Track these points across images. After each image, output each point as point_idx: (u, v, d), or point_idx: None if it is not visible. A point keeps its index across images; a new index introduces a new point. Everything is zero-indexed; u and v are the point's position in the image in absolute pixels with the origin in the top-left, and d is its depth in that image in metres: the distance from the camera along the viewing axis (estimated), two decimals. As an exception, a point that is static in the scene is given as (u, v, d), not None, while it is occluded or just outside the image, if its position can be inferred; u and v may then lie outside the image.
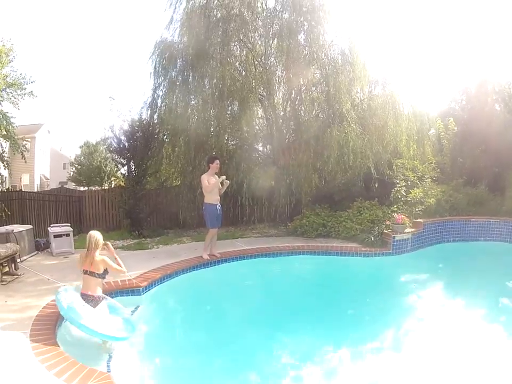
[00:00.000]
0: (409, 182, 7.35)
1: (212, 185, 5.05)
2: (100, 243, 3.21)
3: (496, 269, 5.52)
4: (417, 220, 6.74)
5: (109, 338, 2.94)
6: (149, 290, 4.24)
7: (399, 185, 7.16)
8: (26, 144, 8.94)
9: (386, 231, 6.18)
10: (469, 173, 8.64)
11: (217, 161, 5.24)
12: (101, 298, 3.17)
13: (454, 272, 5.51)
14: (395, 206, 6.86)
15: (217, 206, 5.21)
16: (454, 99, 11.39)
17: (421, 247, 6.55)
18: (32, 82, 9.35)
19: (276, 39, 7.27)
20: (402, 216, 6.31)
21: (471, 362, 2.87)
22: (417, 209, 7.01)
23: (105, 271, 3.21)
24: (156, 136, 7.45)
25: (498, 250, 6.57)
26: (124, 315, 3.33)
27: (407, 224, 6.33)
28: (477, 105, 10.34)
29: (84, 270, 3.12)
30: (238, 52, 7.30)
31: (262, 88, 6.62)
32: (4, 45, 8.92)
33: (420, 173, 7.70)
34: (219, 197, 5.24)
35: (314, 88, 7.06)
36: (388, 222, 6.32)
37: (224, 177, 5.24)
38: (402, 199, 7.07)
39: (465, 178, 8.26)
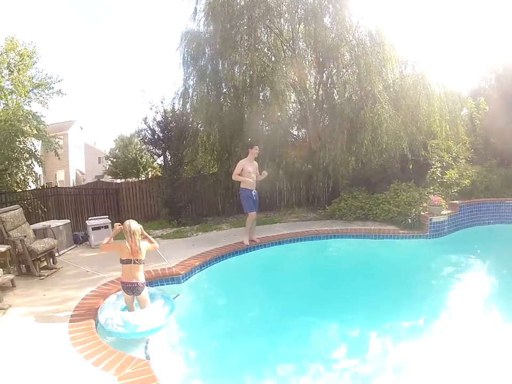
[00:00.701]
0: (444, 163, 7.19)
1: (237, 177, 5.10)
2: (140, 231, 3.18)
3: None
4: (453, 202, 6.61)
5: (158, 329, 3.00)
6: (189, 277, 4.30)
7: (435, 167, 7.00)
8: (59, 141, 9.12)
9: (423, 213, 6.09)
10: (501, 153, 8.39)
11: (257, 147, 5.25)
12: (145, 284, 3.19)
13: (491, 255, 5.40)
14: (431, 188, 6.73)
15: (253, 192, 5.22)
16: (483, 77, 10.98)
17: (458, 229, 6.42)
18: (59, 81, 9.54)
19: (302, 23, 7.17)
20: (439, 197, 6.20)
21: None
22: (453, 191, 6.88)
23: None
24: (189, 126, 7.49)
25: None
26: (162, 296, 3.41)
27: (444, 206, 6.21)
28: (504, 84, 9.99)
29: (127, 259, 3.07)
30: (266, 37, 7.23)
31: (293, 73, 6.54)
32: (25, 48, 9.10)
33: (454, 154, 7.52)
34: (255, 183, 5.25)
35: (344, 70, 6.94)
36: (424, 204, 6.21)
37: (265, 173, 5.30)
38: (438, 180, 6.93)
39: (498, 159, 8.02)
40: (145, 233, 3.31)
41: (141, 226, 3.25)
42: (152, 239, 3.38)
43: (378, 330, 3.28)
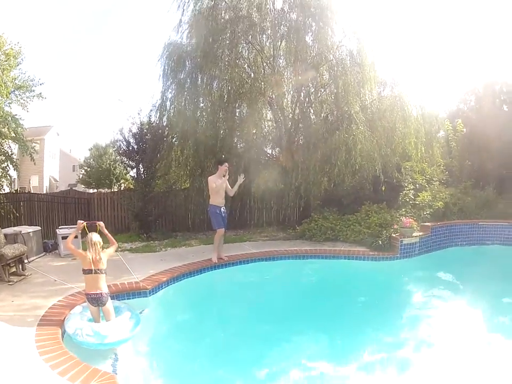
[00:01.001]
0: (417, 185, 7.32)
1: (217, 186, 5.12)
2: (101, 243, 3.31)
3: (506, 273, 5.45)
4: (425, 224, 6.70)
5: (124, 341, 3.01)
6: (156, 292, 4.27)
7: (407, 189, 7.13)
8: (35, 146, 8.99)
9: (394, 235, 6.15)
10: (477, 175, 8.57)
11: (226, 164, 5.27)
12: (109, 295, 3.24)
13: (462, 277, 5.45)
14: (403, 210, 6.83)
15: (222, 209, 5.27)
16: (462, 100, 11.27)
17: (429, 251, 6.50)
18: (41, 84, 9.37)
19: (284, 40, 7.24)
20: (410, 219, 6.28)
21: (480, 369, 2.85)
22: (425, 213, 6.98)
23: None
24: (165, 139, 7.46)
25: (507, 253, 6.49)
26: (128, 309, 3.42)
27: (415, 228, 6.29)
28: (485, 106, 10.25)
29: (89, 269, 3.15)
30: (247, 53, 7.27)
31: (271, 90, 6.59)
32: (12, 48, 8.94)
33: (428, 176, 7.66)
34: (224, 200, 5.29)
35: (323, 90, 7.02)
36: (395, 226, 6.28)
37: (242, 177, 5.37)
38: (411, 202, 7.04)
39: (473, 181, 8.19)
40: (106, 232, 3.49)
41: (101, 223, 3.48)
42: (111, 237, 3.52)
43: (341, 350, 3.34)
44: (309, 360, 3.18)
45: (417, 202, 7.06)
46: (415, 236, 6.22)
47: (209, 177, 5.27)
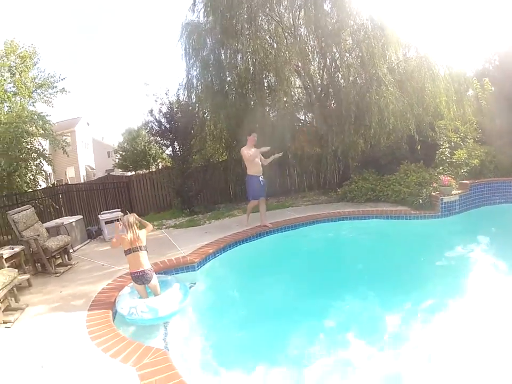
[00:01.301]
0: (452, 144, 7.15)
1: (252, 155, 5.20)
2: (135, 221, 3.40)
3: None
4: (463, 181, 6.56)
5: (176, 312, 3.09)
6: (203, 265, 4.30)
7: (443, 147, 6.97)
8: (66, 139, 9.20)
9: (434, 194, 6.04)
10: (508, 134, 8.31)
11: (254, 134, 5.39)
12: (152, 270, 3.30)
13: (502, 234, 5.35)
14: (441, 168, 6.70)
15: (260, 178, 5.31)
16: (487, 59, 10.89)
17: (469, 209, 6.36)
18: (62, 79, 9.61)
19: (302, 10, 7.15)
20: (449, 178, 6.17)
21: None
22: (462, 171, 6.83)
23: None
24: (196, 115, 7.50)
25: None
26: (175, 282, 3.47)
27: (454, 186, 6.17)
28: (509, 66, 9.91)
29: (132, 248, 3.20)
30: (267, 25, 7.22)
31: (296, 59, 6.52)
32: (26, 50, 9.16)
33: (462, 134, 7.47)
34: (261, 169, 5.33)
35: (348, 55, 6.91)
36: (434, 184, 6.18)
37: (267, 148, 5.39)
38: (447, 160, 6.89)
39: (506, 139, 7.94)
40: (139, 218, 3.55)
41: (136, 216, 3.51)
42: (145, 221, 3.62)
43: (393, 310, 3.28)
44: (363, 320, 3.17)
45: (453, 160, 6.91)
46: (455, 194, 6.09)
47: (242, 149, 5.36)
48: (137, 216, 3.49)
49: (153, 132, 7.59)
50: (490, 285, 3.68)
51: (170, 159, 8.04)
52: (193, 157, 7.52)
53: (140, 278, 3.15)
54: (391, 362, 2.54)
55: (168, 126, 7.29)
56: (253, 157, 5.22)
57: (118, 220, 3.87)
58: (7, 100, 8.55)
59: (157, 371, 2.07)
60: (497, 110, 8.81)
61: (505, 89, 8.97)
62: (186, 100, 7.47)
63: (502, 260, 4.52)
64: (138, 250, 3.20)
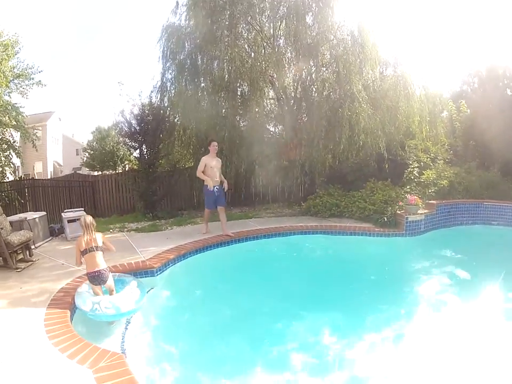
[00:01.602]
0: (422, 163, 7.27)
1: (200, 174, 5.36)
2: (94, 224, 3.39)
3: (509, 253, 5.34)
4: (430, 201, 6.65)
5: (137, 310, 3.09)
6: (163, 271, 4.23)
7: (412, 166, 7.07)
8: (37, 132, 9.01)
9: (399, 212, 6.10)
10: (481, 156, 8.50)
11: (214, 143, 5.48)
12: (108, 271, 3.30)
13: (466, 256, 5.35)
14: (408, 187, 6.79)
15: (215, 188, 5.37)
16: (466, 81, 11.20)
17: (434, 229, 6.43)
18: (39, 72, 9.42)
19: (284, 20, 7.19)
20: (415, 197, 6.22)
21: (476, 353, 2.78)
22: (430, 191, 6.93)
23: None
24: (166, 119, 7.46)
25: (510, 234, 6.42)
26: (133, 279, 3.49)
27: (420, 206, 6.24)
28: (488, 89, 10.17)
29: (88, 248, 3.20)
30: (246, 34, 7.25)
31: (272, 70, 6.55)
32: (9, 39, 8.97)
33: (432, 155, 7.61)
34: (218, 180, 5.40)
35: (324, 69, 6.99)
36: (400, 203, 6.24)
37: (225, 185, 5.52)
38: (415, 180, 7.00)
39: (477, 161, 8.13)
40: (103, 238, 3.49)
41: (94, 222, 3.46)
42: (109, 244, 3.52)
43: (347, 327, 3.27)
44: (313, 336, 3.15)
45: (422, 180, 7.02)
46: (421, 214, 6.16)
47: (202, 157, 5.43)
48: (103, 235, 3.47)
49: (122, 133, 7.51)
50: (444, 306, 3.73)
51: (137, 162, 7.96)
52: (160, 161, 7.46)
53: (96, 278, 3.15)
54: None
55: (138, 128, 7.23)
56: (214, 167, 5.33)
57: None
58: (-17, 87, 8.34)
59: (113, 375, 2.07)
60: (471, 132, 9.03)
61: (482, 112, 9.21)
62: (159, 103, 7.43)
63: (460, 279, 4.57)
64: (94, 251, 3.21)
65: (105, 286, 3.21)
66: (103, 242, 3.35)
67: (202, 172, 5.36)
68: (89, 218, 3.35)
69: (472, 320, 3.32)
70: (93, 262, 3.17)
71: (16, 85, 9.18)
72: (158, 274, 4.10)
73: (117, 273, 3.66)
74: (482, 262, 4.94)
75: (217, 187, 5.38)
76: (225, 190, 5.46)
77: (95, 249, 3.21)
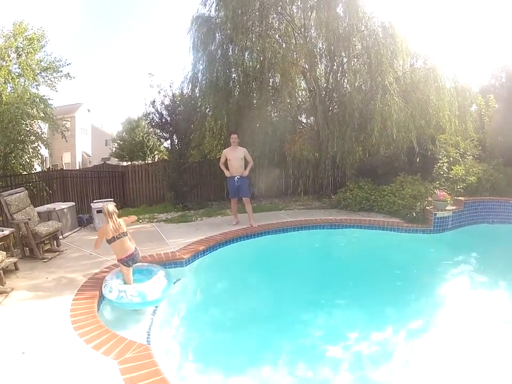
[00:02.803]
0: (451, 159, 7.14)
1: (221, 166, 5.63)
2: (115, 210, 3.47)
3: None
4: (458, 198, 6.57)
5: (156, 301, 3.15)
6: (192, 262, 4.30)
7: (442, 161, 6.96)
8: (65, 123, 9.08)
9: (428, 207, 6.05)
10: (509, 152, 8.32)
11: (233, 135, 5.58)
12: (138, 249, 3.47)
13: (492, 253, 5.37)
14: (437, 182, 6.70)
15: (235, 178, 5.51)
16: (494, 75, 10.85)
17: (461, 226, 6.37)
18: (68, 64, 9.45)
19: (314, 11, 7.08)
20: (444, 193, 6.16)
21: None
22: (458, 187, 6.83)
23: None
24: (198, 110, 7.44)
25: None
26: (160, 269, 3.55)
27: (449, 202, 6.17)
28: (515, 84, 9.87)
29: (116, 236, 3.30)
30: (277, 24, 7.15)
31: (303, 60, 6.48)
32: (34, 33, 9.04)
33: (462, 150, 7.46)
34: (238, 170, 5.54)
35: (356, 60, 6.88)
36: (429, 198, 6.19)
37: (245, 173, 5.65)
38: (444, 175, 6.88)
39: (505, 158, 7.96)
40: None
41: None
42: (129, 220, 3.65)
43: (375, 323, 3.28)
44: (339, 329, 3.18)
45: (451, 176, 6.91)
46: (448, 210, 6.11)
47: (224, 150, 5.59)
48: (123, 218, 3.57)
49: (153, 124, 7.53)
50: (472, 303, 3.73)
51: (167, 152, 7.99)
52: (191, 151, 7.48)
53: (130, 260, 3.30)
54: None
55: (169, 118, 7.25)
56: (232, 160, 5.52)
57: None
58: (11, 81, 8.44)
59: (138, 366, 2.07)
60: (499, 128, 8.82)
61: (510, 107, 8.97)
62: (190, 94, 7.40)
63: (488, 277, 4.57)
64: (122, 237, 3.32)
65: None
66: (125, 225, 3.45)
67: (224, 163, 5.56)
68: (111, 206, 3.43)
69: (496, 317, 3.30)
70: (123, 248, 3.31)
71: (44, 78, 9.26)
72: (187, 266, 4.17)
73: (146, 263, 3.74)
74: (505, 261, 4.91)
75: (238, 177, 5.51)
76: (243, 175, 5.58)
77: (122, 235, 3.32)
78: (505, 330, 3.10)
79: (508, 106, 9.03)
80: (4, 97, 7.90)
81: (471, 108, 8.54)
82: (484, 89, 10.01)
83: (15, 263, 3.84)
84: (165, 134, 7.60)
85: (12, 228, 4.25)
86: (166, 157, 8.38)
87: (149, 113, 7.53)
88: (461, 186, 6.84)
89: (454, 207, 6.25)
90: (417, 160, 6.68)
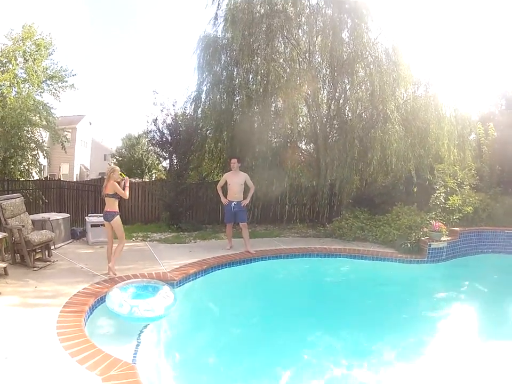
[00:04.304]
0: (448, 189, 7.19)
1: (218, 189, 5.71)
2: (114, 175, 4.24)
3: None
4: (454, 228, 6.60)
5: (161, 316, 3.24)
6: (183, 284, 4.30)
7: (439, 191, 7.00)
8: (66, 134, 9.08)
9: (423, 238, 6.09)
10: (506, 181, 8.37)
11: (233, 159, 5.64)
12: (116, 213, 4.30)
13: (487, 284, 5.42)
14: (433, 213, 6.72)
15: (232, 204, 5.52)
16: (494, 103, 10.94)
17: (456, 256, 6.39)
18: (73, 75, 9.50)
19: (319, 35, 7.13)
20: (440, 223, 6.20)
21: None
22: (454, 217, 6.86)
23: (115, 194, 4.24)
24: (199, 131, 7.46)
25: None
26: (166, 285, 3.65)
27: (444, 232, 6.21)
28: (515, 111, 9.94)
29: (104, 194, 4.23)
30: (282, 48, 7.21)
31: (306, 86, 6.51)
32: (42, 39, 9.06)
33: (459, 180, 7.50)
34: (237, 195, 5.55)
35: (358, 87, 6.92)
36: (425, 229, 6.22)
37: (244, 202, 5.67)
38: (441, 205, 6.92)
39: (502, 187, 8.01)
40: (127, 184, 4.41)
41: (125, 177, 4.48)
42: (127, 192, 4.37)
43: (365, 350, 3.33)
44: (326, 359, 3.18)
45: (447, 206, 6.95)
46: (444, 241, 6.14)
47: (225, 174, 5.69)
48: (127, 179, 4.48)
49: (154, 142, 7.57)
50: (467, 333, 3.82)
51: (165, 172, 8.00)
52: (189, 173, 7.49)
53: (105, 215, 4.29)
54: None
55: (169, 138, 7.27)
56: (232, 185, 5.56)
57: (103, 225, 4.62)
58: (16, 85, 8.45)
59: None
60: (498, 157, 8.87)
61: (509, 135, 9.03)
62: (192, 114, 7.43)
63: (481, 307, 4.66)
64: (107, 197, 4.22)
65: (113, 225, 4.27)
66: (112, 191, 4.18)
67: (222, 187, 5.65)
68: (110, 168, 4.31)
69: (488, 348, 3.36)
70: (108, 204, 4.24)
71: (49, 86, 9.28)
72: (177, 287, 4.15)
73: (153, 280, 3.85)
74: (501, 291, 4.96)
75: (235, 202, 5.50)
76: (242, 205, 5.57)
77: (106, 195, 4.20)
78: (497, 361, 3.14)
79: (507, 134, 9.11)
80: (8, 101, 7.92)
81: (470, 136, 8.60)
82: (484, 117, 10.07)
83: (4, 268, 3.87)
84: (164, 153, 7.61)
85: (5, 232, 4.28)
86: (163, 177, 8.36)
87: (150, 131, 7.57)
88: (457, 217, 6.87)
89: (449, 238, 6.28)
90: (415, 190, 6.70)
